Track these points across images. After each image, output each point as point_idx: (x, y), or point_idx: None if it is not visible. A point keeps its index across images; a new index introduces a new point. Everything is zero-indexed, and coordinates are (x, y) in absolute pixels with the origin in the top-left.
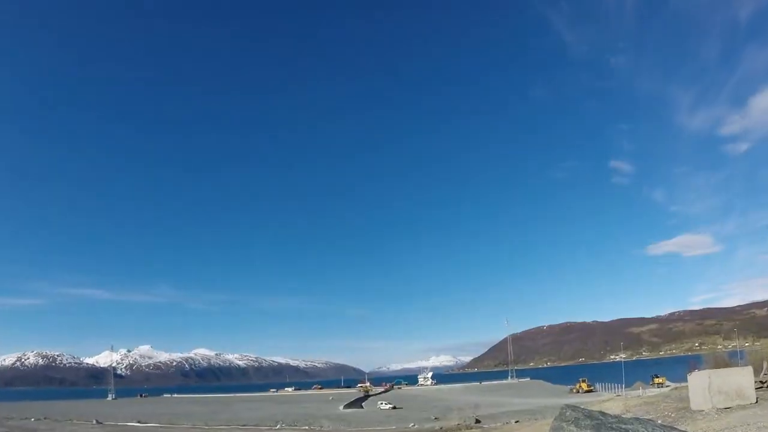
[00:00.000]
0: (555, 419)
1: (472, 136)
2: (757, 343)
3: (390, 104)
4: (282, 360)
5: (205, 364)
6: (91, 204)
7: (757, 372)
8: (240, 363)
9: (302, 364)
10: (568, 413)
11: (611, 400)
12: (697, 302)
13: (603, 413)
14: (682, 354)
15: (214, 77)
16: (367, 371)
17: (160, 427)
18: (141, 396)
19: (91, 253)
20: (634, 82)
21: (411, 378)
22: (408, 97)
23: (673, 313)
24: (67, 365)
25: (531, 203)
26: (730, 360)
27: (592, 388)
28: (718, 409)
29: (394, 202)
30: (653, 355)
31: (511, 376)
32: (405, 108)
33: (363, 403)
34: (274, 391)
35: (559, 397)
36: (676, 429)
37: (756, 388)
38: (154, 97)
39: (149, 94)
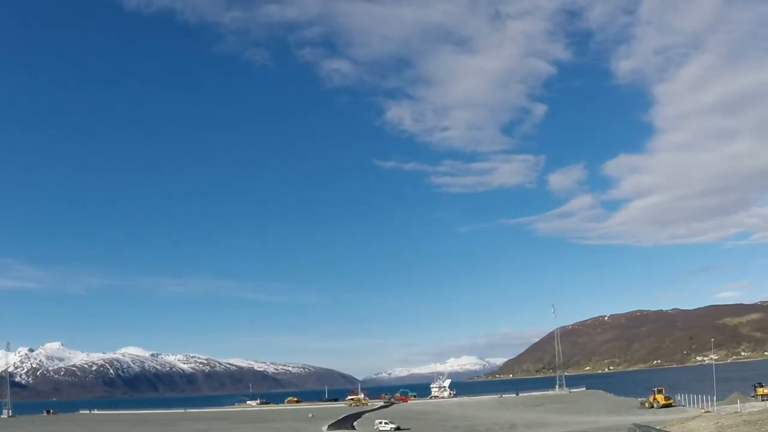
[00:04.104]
0: None
1: None
2: None
3: None
4: (242, 363)
5: (137, 368)
6: None
7: None
8: (185, 366)
9: (271, 369)
10: None
11: (698, 418)
12: None
13: None
14: None
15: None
16: (360, 378)
17: None
18: (48, 412)
19: None
20: None
21: (421, 388)
22: None
23: None
24: None
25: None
26: None
27: (671, 401)
28: None
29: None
30: (756, 356)
31: (560, 385)
32: None
33: (355, 422)
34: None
35: (625, 413)
36: None
37: None
38: None
39: None
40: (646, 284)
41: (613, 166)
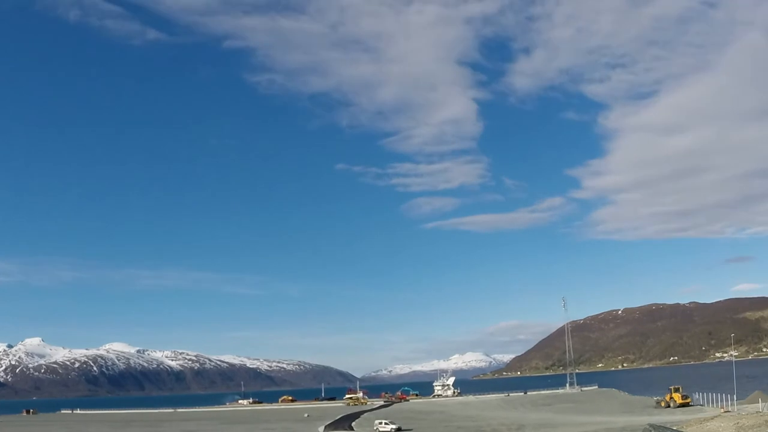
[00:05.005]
0: None
1: None
2: None
3: None
4: (234, 360)
5: (122, 366)
6: None
7: None
8: (173, 363)
9: (264, 366)
10: None
11: (717, 419)
12: None
13: None
14: None
15: None
16: (359, 376)
17: None
18: (27, 412)
19: None
20: None
21: (423, 386)
22: None
23: None
24: None
25: None
26: None
27: (688, 400)
28: None
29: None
30: None
31: (571, 383)
32: None
33: (353, 423)
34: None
35: (640, 413)
36: None
37: None
38: None
39: None
40: (652, 279)
41: (572, 167)
